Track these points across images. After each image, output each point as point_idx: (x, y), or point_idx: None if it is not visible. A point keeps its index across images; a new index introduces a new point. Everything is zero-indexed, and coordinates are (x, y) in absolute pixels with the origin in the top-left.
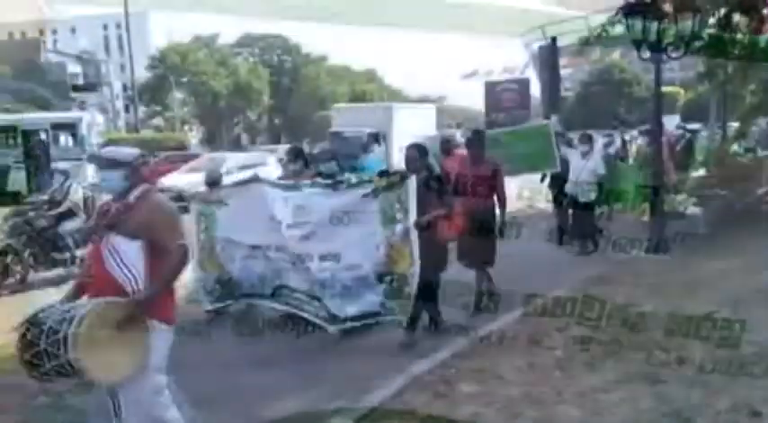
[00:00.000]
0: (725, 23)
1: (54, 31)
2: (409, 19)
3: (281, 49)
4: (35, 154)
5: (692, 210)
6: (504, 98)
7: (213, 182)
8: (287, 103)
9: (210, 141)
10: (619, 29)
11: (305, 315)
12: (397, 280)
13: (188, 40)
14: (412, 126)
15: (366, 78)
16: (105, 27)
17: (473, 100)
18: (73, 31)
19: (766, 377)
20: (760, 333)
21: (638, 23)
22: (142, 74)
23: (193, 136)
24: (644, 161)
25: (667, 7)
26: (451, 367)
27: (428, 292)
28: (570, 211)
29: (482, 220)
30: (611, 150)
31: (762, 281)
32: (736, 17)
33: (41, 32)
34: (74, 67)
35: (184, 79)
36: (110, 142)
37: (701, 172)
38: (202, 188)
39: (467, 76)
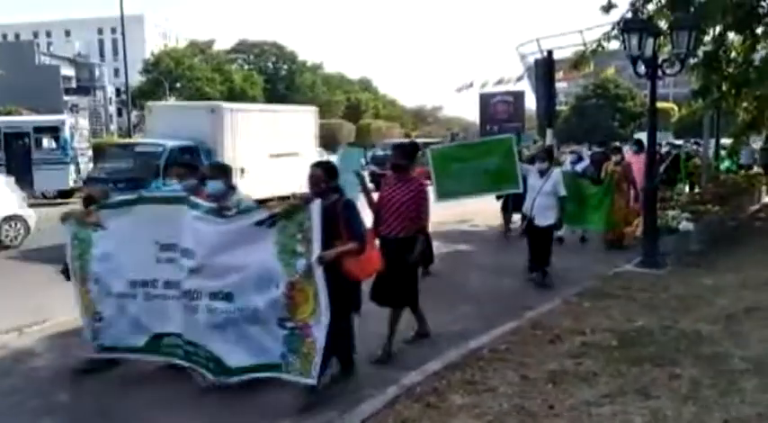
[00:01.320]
0: (720, 41)
1: (48, 34)
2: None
3: (277, 56)
4: (17, 157)
5: (685, 225)
6: (498, 110)
7: (91, 199)
8: None
9: None
10: (614, 44)
11: (194, 367)
12: (299, 328)
13: (183, 45)
14: (270, 135)
15: (361, 87)
16: (100, 31)
17: (469, 111)
18: (67, 33)
19: (758, 392)
20: (752, 349)
21: (634, 39)
22: (136, 78)
23: None
24: (610, 180)
25: (663, 24)
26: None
27: (334, 339)
28: (527, 236)
29: (402, 251)
30: (579, 168)
31: (754, 297)
32: (731, 35)
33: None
34: (67, 70)
35: (179, 84)
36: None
37: (686, 188)
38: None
39: (462, 87)
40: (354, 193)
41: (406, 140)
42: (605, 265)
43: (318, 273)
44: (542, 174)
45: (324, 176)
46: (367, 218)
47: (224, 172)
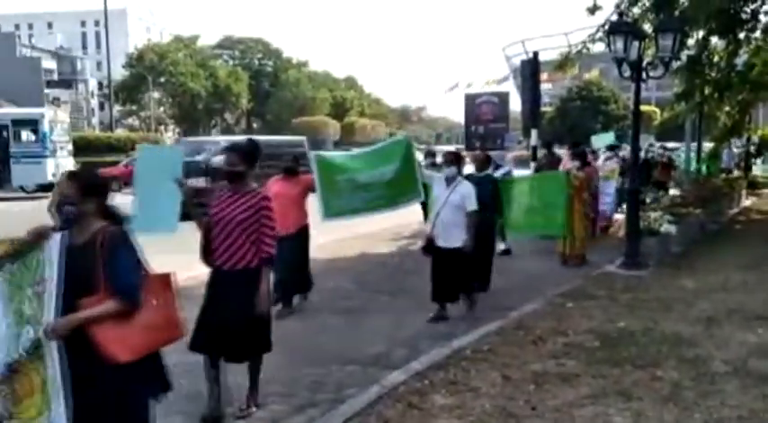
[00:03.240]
0: (703, 46)
1: (30, 26)
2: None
3: (262, 52)
4: None
5: (667, 227)
6: (483, 111)
7: None
8: (266, 108)
9: None
10: (599, 47)
11: None
12: None
13: (167, 40)
14: None
15: (347, 85)
16: (83, 23)
17: (453, 111)
18: (50, 25)
19: (738, 395)
20: (732, 351)
21: (619, 42)
22: (119, 72)
23: (169, 137)
24: (565, 182)
25: (648, 27)
26: (425, 378)
27: None
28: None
29: (241, 287)
30: (499, 174)
31: (734, 300)
32: (714, 40)
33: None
34: (49, 63)
35: (162, 79)
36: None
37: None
38: None
39: (449, 89)
40: (172, 213)
41: (243, 138)
42: (587, 267)
43: (52, 350)
44: (449, 182)
45: (80, 194)
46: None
47: None
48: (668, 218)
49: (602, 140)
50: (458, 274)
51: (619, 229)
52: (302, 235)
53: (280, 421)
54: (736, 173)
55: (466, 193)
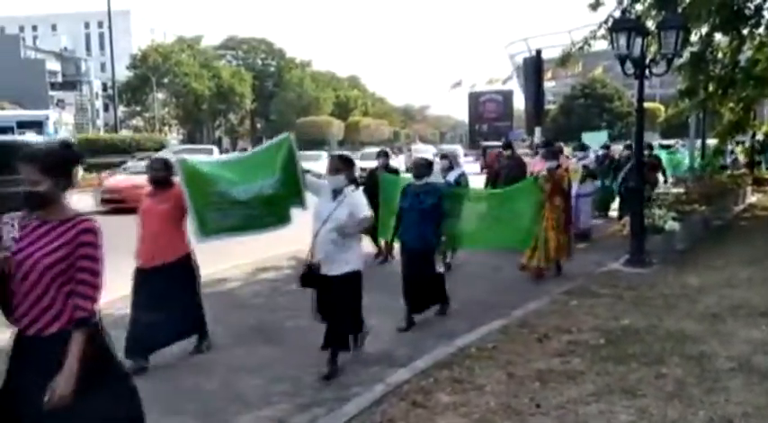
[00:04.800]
0: (706, 42)
1: (34, 28)
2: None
3: (266, 52)
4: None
5: (671, 225)
6: (487, 109)
7: None
8: (269, 108)
9: (191, 143)
10: (602, 44)
11: None
12: None
13: (171, 41)
14: None
15: (350, 85)
16: (87, 25)
17: (456, 109)
18: (54, 27)
19: (743, 391)
20: (736, 348)
21: (622, 39)
22: (123, 73)
23: (173, 138)
24: (531, 188)
25: (651, 24)
26: (430, 377)
27: None
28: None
29: (45, 362)
30: (451, 178)
31: (738, 296)
32: (718, 36)
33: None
34: (53, 65)
35: (166, 80)
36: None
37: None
38: None
39: (452, 86)
40: None
41: (43, 143)
42: (592, 264)
43: None
44: (336, 194)
45: None
46: None
47: None
48: (672, 215)
49: (594, 139)
50: (350, 307)
51: (623, 228)
52: (183, 263)
53: (285, 420)
54: (741, 170)
55: (354, 204)
